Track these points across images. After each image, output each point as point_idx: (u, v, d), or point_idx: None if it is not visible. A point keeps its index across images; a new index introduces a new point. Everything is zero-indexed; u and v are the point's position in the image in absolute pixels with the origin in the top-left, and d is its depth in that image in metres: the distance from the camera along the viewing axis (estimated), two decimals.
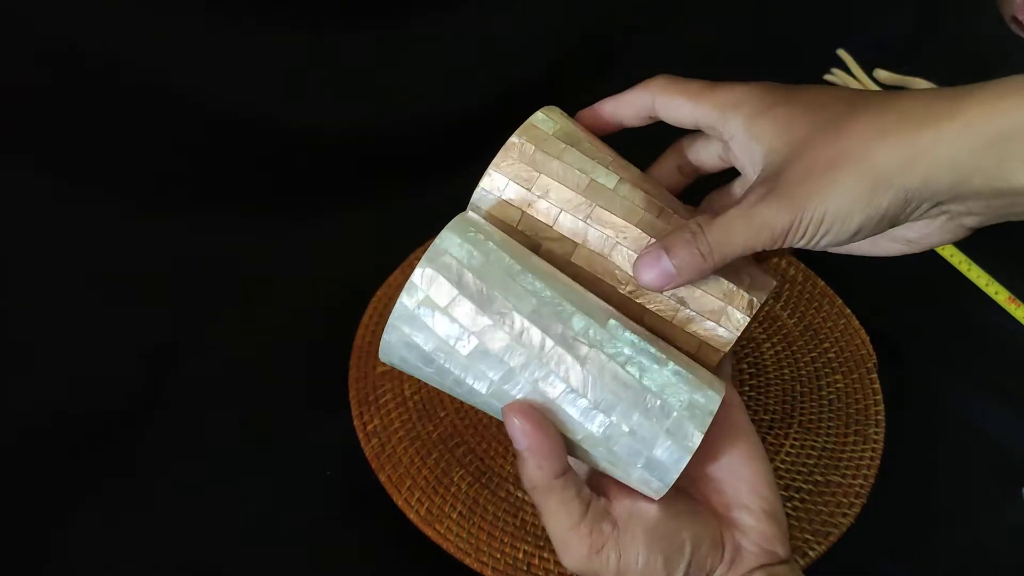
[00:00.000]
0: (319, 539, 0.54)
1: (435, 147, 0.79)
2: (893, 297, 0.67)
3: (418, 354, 0.36)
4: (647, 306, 0.38)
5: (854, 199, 0.33)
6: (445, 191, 0.77)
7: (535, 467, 0.35)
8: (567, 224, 0.39)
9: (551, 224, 0.39)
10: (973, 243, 0.75)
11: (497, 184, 0.40)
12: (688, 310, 0.38)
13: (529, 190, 0.39)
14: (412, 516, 0.53)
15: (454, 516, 0.53)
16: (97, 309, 0.63)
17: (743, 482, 0.38)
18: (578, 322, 0.35)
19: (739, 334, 0.38)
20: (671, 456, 0.35)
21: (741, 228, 0.35)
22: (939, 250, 0.75)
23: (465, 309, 0.35)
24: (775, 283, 0.40)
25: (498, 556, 0.51)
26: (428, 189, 0.77)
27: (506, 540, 0.52)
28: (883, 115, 0.34)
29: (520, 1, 0.80)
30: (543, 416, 0.35)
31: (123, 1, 0.62)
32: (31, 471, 0.55)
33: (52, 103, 0.63)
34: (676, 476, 0.35)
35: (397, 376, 0.60)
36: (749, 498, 0.37)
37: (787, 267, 0.67)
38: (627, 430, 0.35)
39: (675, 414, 0.35)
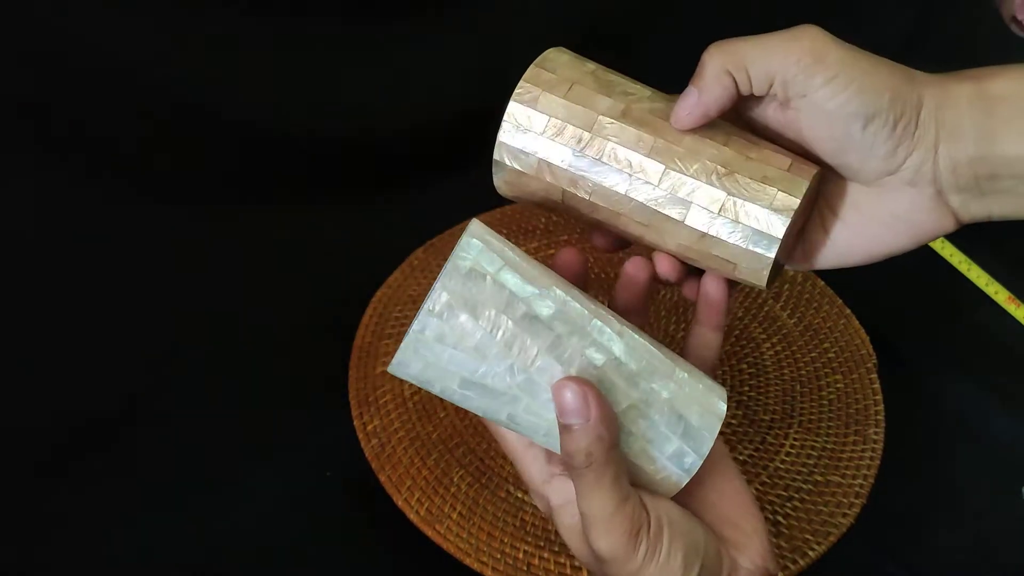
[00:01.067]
0: (319, 539, 0.54)
1: (435, 147, 0.79)
2: (893, 297, 0.67)
3: (458, 333, 0.34)
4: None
5: (891, 78, 0.35)
6: (445, 191, 0.77)
7: (597, 438, 0.33)
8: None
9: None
10: (973, 243, 0.75)
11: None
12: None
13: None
14: (412, 516, 0.53)
15: (454, 516, 0.53)
16: (97, 309, 0.63)
17: (731, 501, 0.38)
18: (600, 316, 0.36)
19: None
20: (705, 423, 0.35)
21: (780, 38, 0.37)
22: (939, 250, 0.75)
23: (512, 277, 0.35)
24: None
25: (498, 556, 0.51)
26: (428, 189, 0.77)
27: (506, 540, 0.52)
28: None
29: (519, 4, 0.80)
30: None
31: (124, 1, 0.62)
32: (31, 471, 0.55)
33: (52, 103, 0.63)
34: (710, 446, 0.36)
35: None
36: (739, 516, 0.38)
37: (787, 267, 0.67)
38: (666, 396, 0.35)
39: (700, 386, 0.36)
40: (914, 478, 0.57)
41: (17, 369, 0.59)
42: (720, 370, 0.62)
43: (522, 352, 0.34)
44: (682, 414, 0.35)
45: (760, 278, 0.38)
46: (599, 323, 0.35)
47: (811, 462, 0.56)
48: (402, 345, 0.34)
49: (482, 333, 0.34)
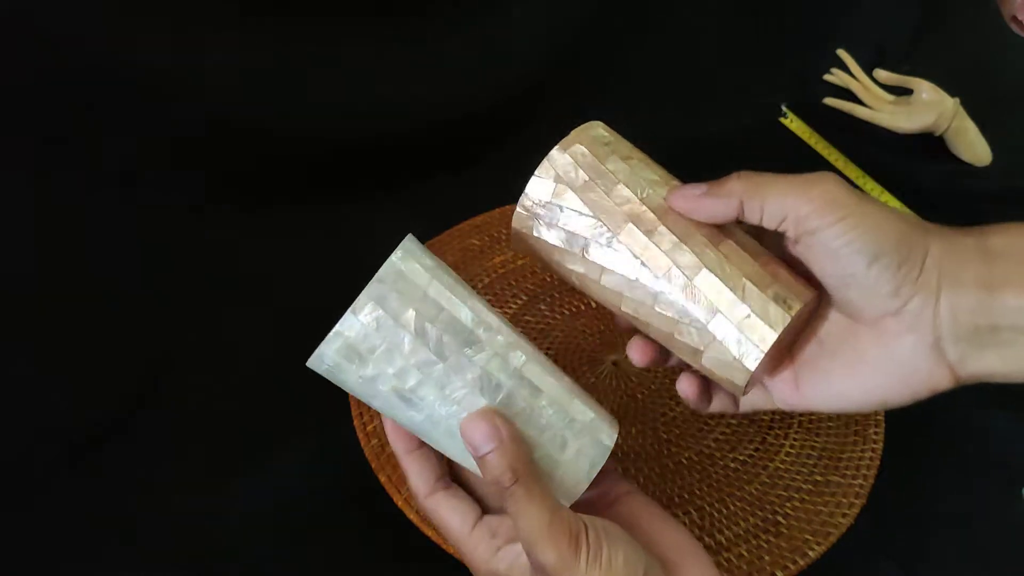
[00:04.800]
0: (319, 539, 0.54)
1: (436, 147, 0.79)
2: None
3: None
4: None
5: (898, 224, 0.37)
6: (445, 192, 0.77)
7: (516, 453, 0.36)
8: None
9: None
10: None
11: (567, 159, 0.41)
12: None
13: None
14: (412, 516, 0.52)
15: None
16: (97, 309, 0.63)
17: (668, 536, 0.39)
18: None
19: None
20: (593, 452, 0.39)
21: (791, 180, 0.37)
22: None
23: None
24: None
25: None
26: (428, 189, 0.77)
27: None
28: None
29: (518, 4, 0.80)
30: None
31: (124, 1, 0.62)
32: (31, 471, 0.55)
33: (52, 102, 0.63)
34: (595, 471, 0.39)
35: None
36: (678, 544, 0.39)
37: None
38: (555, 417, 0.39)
39: (592, 415, 0.40)
40: (914, 478, 0.57)
41: (17, 369, 0.59)
42: None
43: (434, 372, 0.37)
44: (568, 438, 0.38)
45: (736, 391, 0.39)
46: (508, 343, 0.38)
47: (811, 462, 0.56)
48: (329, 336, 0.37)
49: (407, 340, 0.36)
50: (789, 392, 0.41)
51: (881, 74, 0.87)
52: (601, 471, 0.40)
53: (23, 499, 0.54)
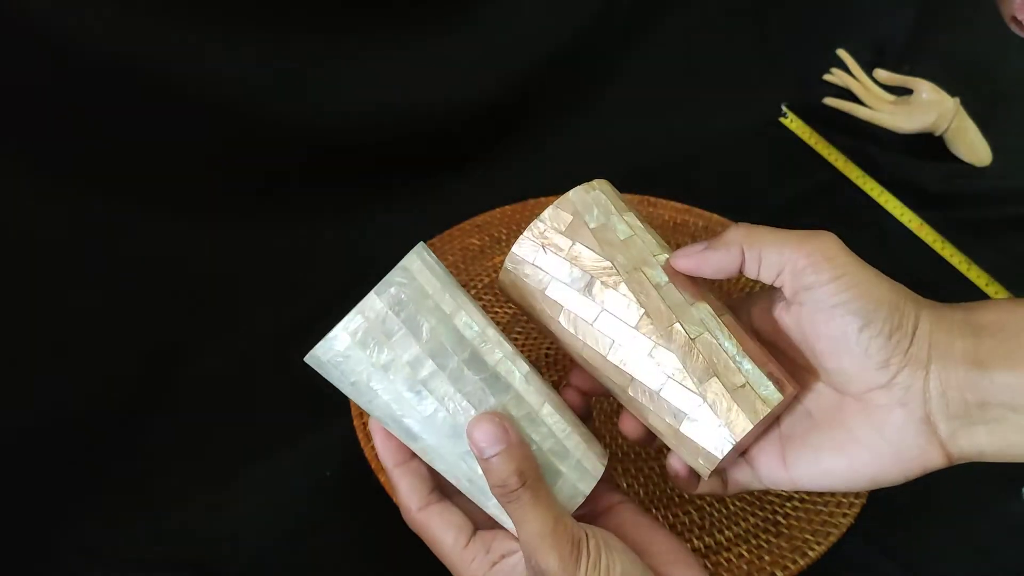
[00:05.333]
0: (319, 539, 0.54)
1: (435, 148, 0.79)
2: None
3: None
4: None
5: (891, 294, 0.37)
6: (445, 192, 0.77)
7: (523, 456, 0.36)
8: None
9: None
10: (973, 243, 0.75)
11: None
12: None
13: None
14: None
15: None
16: (97, 309, 0.63)
17: (667, 552, 0.39)
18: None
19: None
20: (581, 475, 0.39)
21: (789, 233, 0.37)
22: (939, 250, 0.75)
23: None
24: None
25: None
26: (428, 190, 0.77)
27: None
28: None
29: (518, 4, 0.80)
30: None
31: (125, 1, 0.62)
32: (31, 471, 0.55)
33: (52, 102, 0.63)
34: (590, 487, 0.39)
35: None
36: (677, 560, 0.39)
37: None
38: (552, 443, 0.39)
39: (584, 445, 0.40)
40: (914, 478, 0.57)
41: (17, 369, 0.59)
42: None
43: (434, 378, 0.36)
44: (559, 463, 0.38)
45: (703, 474, 0.39)
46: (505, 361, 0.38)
47: None
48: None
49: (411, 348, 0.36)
50: (777, 469, 0.40)
51: (881, 74, 0.87)
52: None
53: (23, 499, 0.54)
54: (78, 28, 0.61)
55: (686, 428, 0.38)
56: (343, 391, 0.38)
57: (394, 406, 0.37)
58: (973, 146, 0.84)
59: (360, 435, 0.57)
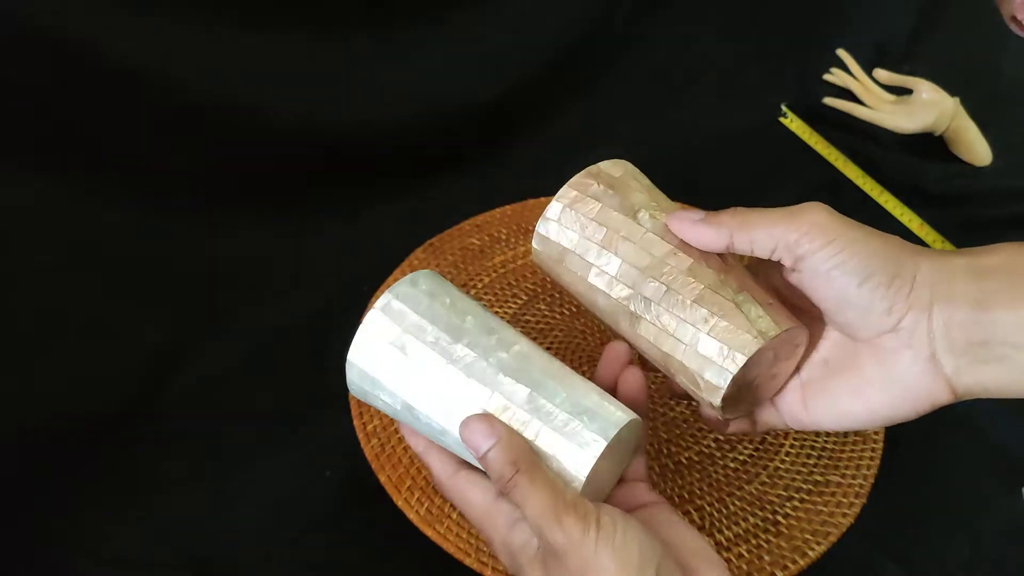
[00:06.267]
0: (319, 539, 0.54)
1: (435, 148, 0.79)
2: None
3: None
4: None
5: (886, 246, 0.38)
6: (445, 192, 0.77)
7: (515, 447, 0.38)
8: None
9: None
10: (973, 243, 0.75)
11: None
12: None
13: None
14: (412, 516, 0.53)
15: (454, 516, 0.53)
16: (97, 309, 0.63)
17: (689, 543, 0.39)
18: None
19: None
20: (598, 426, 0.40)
21: (781, 212, 0.39)
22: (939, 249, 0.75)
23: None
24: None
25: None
26: (428, 189, 0.77)
27: None
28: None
29: (519, 3, 0.80)
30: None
31: (125, 1, 0.62)
32: (31, 471, 0.55)
33: (52, 102, 0.63)
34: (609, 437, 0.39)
35: None
36: (698, 552, 0.39)
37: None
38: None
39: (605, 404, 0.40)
40: (914, 478, 0.57)
41: (17, 369, 0.59)
42: None
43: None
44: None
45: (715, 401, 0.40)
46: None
47: (811, 462, 0.56)
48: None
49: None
50: (799, 411, 0.42)
51: (881, 74, 0.87)
52: (629, 478, 0.42)
53: (23, 498, 0.54)
54: (78, 28, 0.61)
55: (694, 363, 0.40)
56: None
57: (430, 366, 0.40)
58: (973, 146, 0.84)
59: (360, 435, 0.57)
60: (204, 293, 0.67)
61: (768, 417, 0.44)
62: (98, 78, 0.63)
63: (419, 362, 0.39)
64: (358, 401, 0.59)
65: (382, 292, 0.43)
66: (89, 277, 0.64)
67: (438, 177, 0.78)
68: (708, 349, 0.39)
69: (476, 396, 0.39)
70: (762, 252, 0.39)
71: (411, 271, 0.69)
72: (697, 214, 0.41)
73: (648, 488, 0.42)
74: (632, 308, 0.41)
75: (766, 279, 0.43)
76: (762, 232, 0.39)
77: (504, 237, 0.72)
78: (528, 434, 0.39)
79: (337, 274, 0.69)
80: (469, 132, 0.81)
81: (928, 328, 0.37)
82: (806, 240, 0.38)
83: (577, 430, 0.38)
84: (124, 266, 0.66)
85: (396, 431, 0.57)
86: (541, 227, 0.43)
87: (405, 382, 0.40)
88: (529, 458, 0.37)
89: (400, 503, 0.53)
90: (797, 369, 0.43)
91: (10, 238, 0.61)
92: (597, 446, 0.38)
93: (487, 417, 0.38)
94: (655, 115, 0.86)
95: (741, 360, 0.38)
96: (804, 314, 0.42)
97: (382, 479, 0.54)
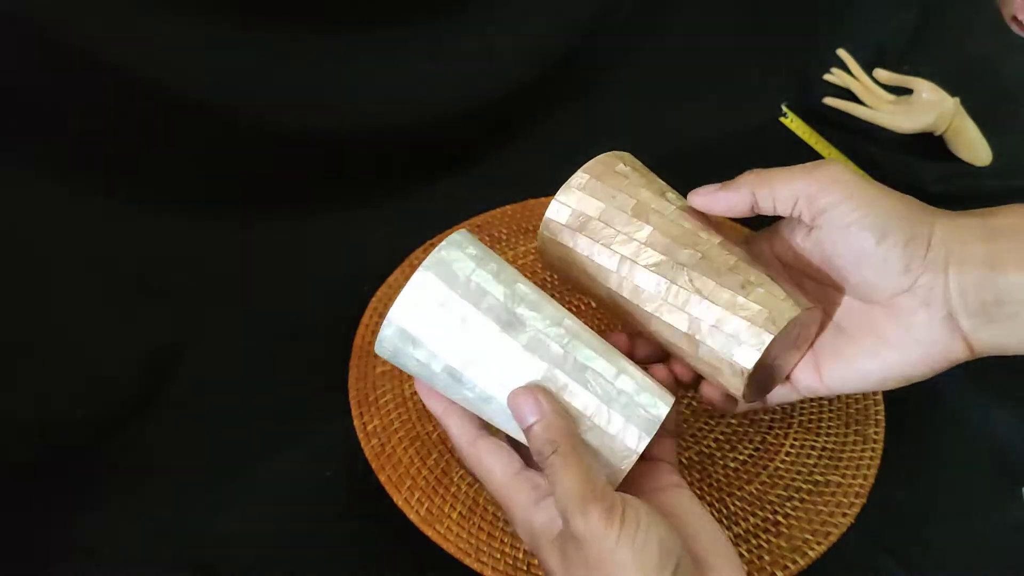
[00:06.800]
0: (319, 539, 0.54)
1: (435, 148, 0.79)
2: None
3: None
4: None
5: (899, 205, 0.39)
6: (445, 192, 0.77)
7: (555, 426, 0.38)
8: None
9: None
10: None
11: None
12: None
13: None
14: (412, 516, 0.53)
15: (454, 516, 0.53)
16: (97, 309, 0.63)
17: (707, 536, 0.39)
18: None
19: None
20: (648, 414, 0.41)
21: (800, 168, 0.40)
22: None
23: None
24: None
25: (498, 556, 0.51)
26: (428, 189, 0.77)
27: (506, 540, 0.52)
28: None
29: (518, 4, 0.80)
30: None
31: (125, 1, 0.62)
32: (31, 471, 0.55)
33: (53, 102, 0.63)
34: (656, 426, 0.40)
35: (397, 376, 0.60)
36: (715, 547, 0.39)
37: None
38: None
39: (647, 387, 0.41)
40: (914, 478, 0.57)
41: (18, 368, 0.59)
42: None
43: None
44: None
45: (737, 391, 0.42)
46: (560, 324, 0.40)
47: (811, 462, 0.56)
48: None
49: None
50: (812, 381, 0.43)
51: (881, 74, 0.87)
52: (657, 457, 0.42)
53: (23, 498, 0.54)
54: (78, 28, 0.61)
55: (729, 326, 0.40)
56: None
57: (490, 329, 0.39)
58: (973, 146, 0.84)
59: (360, 435, 0.57)
60: (204, 293, 0.67)
61: (779, 391, 0.45)
62: (97, 78, 0.63)
63: (472, 326, 0.39)
64: (358, 401, 0.59)
65: (426, 254, 0.43)
66: (89, 277, 0.64)
67: (438, 177, 0.78)
68: (749, 310, 0.40)
69: (531, 367, 0.39)
70: (784, 207, 0.40)
71: (411, 271, 0.69)
72: (713, 186, 0.42)
73: (672, 470, 0.42)
74: (661, 274, 0.41)
75: (780, 251, 0.44)
76: (783, 187, 0.40)
77: (504, 237, 0.72)
78: (580, 405, 0.39)
79: (337, 274, 0.69)
80: (469, 132, 0.81)
81: (944, 288, 0.38)
82: (825, 194, 0.39)
83: (634, 404, 0.39)
84: (124, 266, 0.66)
85: (396, 431, 0.57)
86: (562, 196, 0.43)
87: (451, 345, 0.39)
88: (569, 440, 0.38)
89: (400, 503, 0.53)
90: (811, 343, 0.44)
91: (10, 238, 0.61)
92: (652, 423, 0.39)
93: (535, 391, 0.39)
94: (655, 115, 0.86)
95: (782, 324, 0.39)
96: (815, 285, 0.43)
97: (382, 479, 0.54)
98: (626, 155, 0.45)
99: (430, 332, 0.39)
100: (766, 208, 0.41)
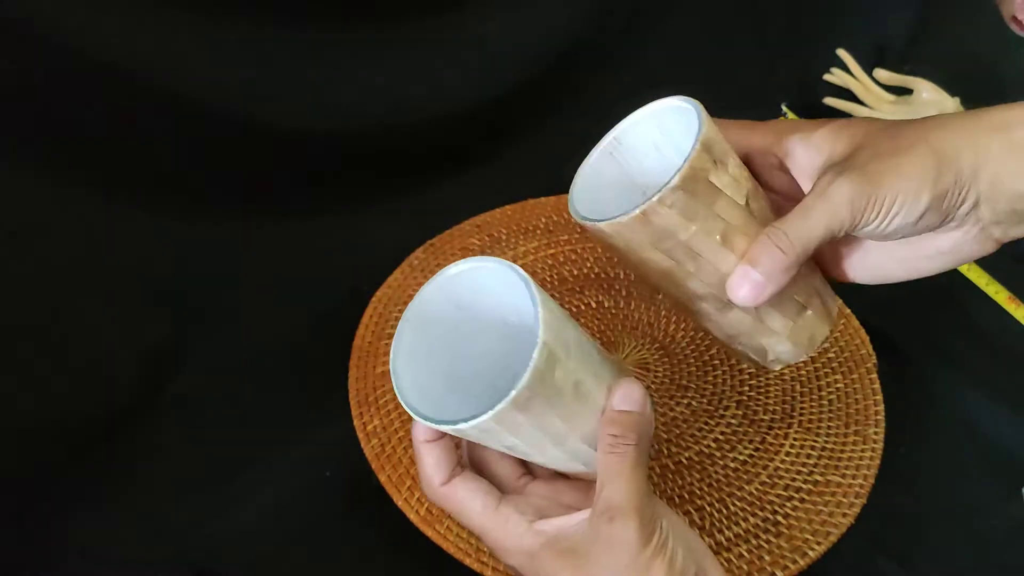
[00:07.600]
0: (319, 539, 0.54)
1: (435, 148, 0.79)
2: (893, 297, 0.67)
3: None
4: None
5: (923, 177, 0.36)
6: (445, 192, 0.77)
7: (649, 424, 0.38)
8: None
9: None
10: None
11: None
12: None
13: None
14: (412, 516, 0.53)
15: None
16: (97, 309, 0.63)
17: (693, 540, 0.39)
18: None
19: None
20: None
21: (819, 211, 0.37)
22: None
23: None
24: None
25: None
26: (428, 189, 0.77)
27: None
28: (932, 119, 0.38)
29: (518, 4, 0.80)
30: None
31: (125, 1, 0.62)
32: (31, 471, 0.55)
33: (52, 102, 0.63)
34: None
35: None
36: (706, 553, 0.39)
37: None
38: None
39: None
40: (914, 478, 0.57)
41: (17, 369, 0.58)
42: (720, 370, 0.62)
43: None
44: None
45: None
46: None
47: (811, 462, 0.56)
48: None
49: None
50: (838, 274, 0.43)
51: (881, 74, 0.87)
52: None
53: (23, 499, 0.54)
54: (78, 28, 0.61)
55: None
56: None
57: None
58: None
59: (360, 435, 0.57)
60: (204, 293, 0.67)
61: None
62: (96, 78, 0.63)
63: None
64: (358, 401, 0.59)
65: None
66: (89, 277, 0.64)
67: (438, 177, 0.78)
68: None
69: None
70: (820, 245, 0.38)
71: (411, 271, 0.70)
72: (753, 272, 0.38)
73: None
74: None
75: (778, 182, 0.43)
76: (740, 140, 0.42)
77: (504, 237, 0.72)
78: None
79: (337, 274, 0.69)
80: (469, 132, 0.81)
81: (976, 216, 0.38)
82: (776, 146, 0.40)
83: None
84: (124, 266, 0.65)
85: (396, 431, 0.57)
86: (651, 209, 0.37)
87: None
88: (646, 443, 0.38)
89: (400, 503, 0.53)
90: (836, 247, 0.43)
91: (10, 238, 0.61)
92: None
93: (641, 387, 0.39)
94: None
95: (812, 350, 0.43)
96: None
97: (382, 479, 0.54)
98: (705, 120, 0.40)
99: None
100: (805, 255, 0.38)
